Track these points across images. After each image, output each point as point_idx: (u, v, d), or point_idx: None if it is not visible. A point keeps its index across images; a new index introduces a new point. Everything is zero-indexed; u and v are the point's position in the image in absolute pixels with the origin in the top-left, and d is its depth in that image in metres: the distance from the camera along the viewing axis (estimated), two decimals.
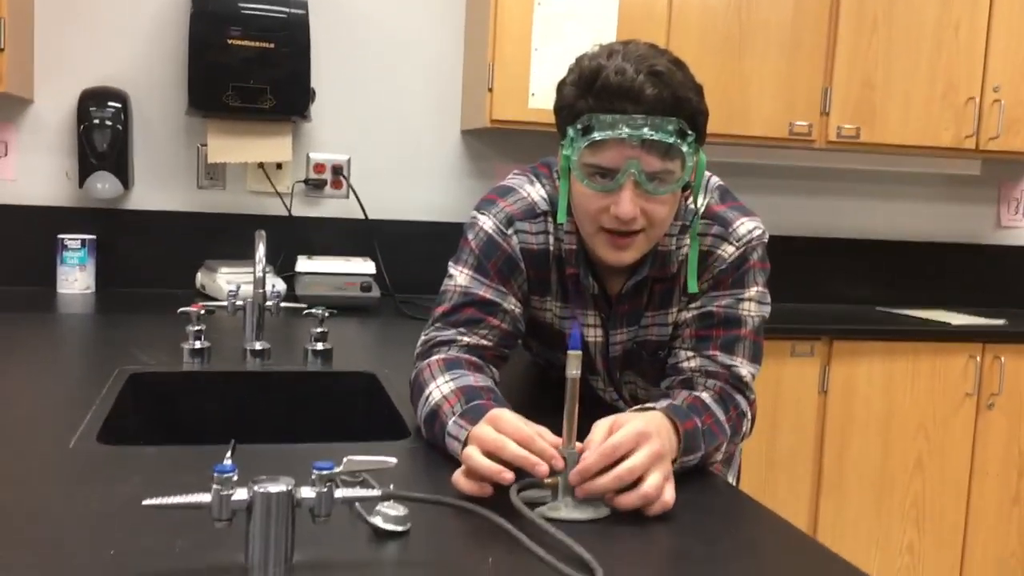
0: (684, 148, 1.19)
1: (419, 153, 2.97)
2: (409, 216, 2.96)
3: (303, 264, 2.64)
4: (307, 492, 0.84)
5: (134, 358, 1.72)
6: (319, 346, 1.79)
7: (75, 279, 2.62)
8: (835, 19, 2.85)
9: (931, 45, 2.92)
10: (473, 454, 1.02)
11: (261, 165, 2.82)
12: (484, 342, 1.32)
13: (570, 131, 1.22)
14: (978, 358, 2.83)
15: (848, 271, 3.31)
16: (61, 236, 2.62)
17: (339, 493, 0.85)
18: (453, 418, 1.15)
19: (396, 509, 0.93)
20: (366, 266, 2.66)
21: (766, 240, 1.35)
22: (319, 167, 2.89)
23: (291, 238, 2.83)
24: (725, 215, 1.33)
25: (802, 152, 3.08)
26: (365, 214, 2.87)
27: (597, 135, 1.18)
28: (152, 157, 2.78)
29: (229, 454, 0.92)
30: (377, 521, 0.92)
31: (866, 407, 2.80)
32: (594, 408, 1.19)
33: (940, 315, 3.08)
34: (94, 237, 2.67)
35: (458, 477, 1.04)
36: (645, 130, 1.17)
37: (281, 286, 2.54)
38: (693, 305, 1.33)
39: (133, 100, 2.71)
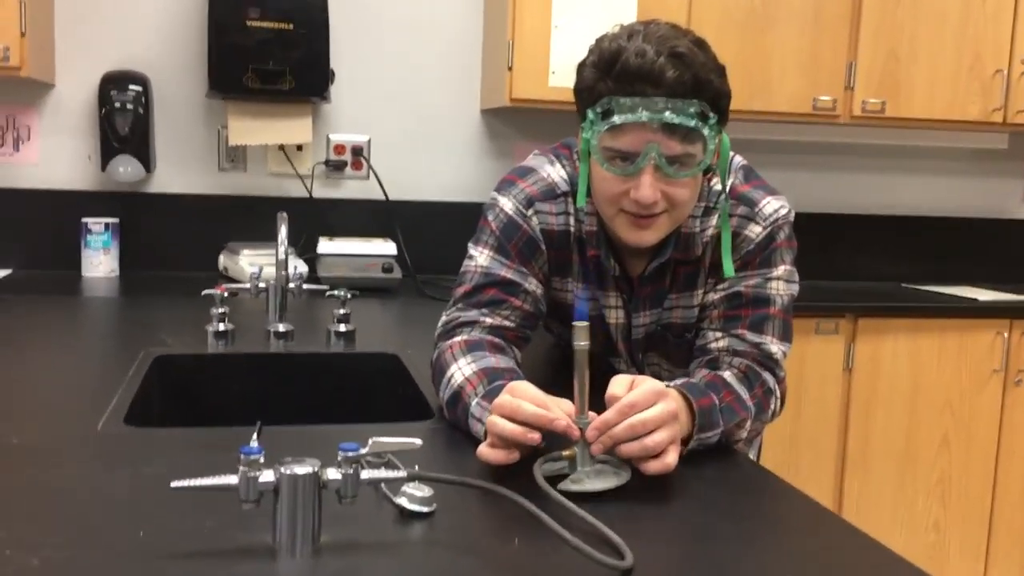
0: (706, 131, 1.17)
1: (439, 133, 2.96)
2: (429, 196, 2.96)
3: (324, 246, 2.64)
4: (333, 474, 0.84)
5: (159, 341, 1.73)
6: (342, 327, 1.80)
7: (99, 262, 2.64)
8: None
9: (957, 16, 2.87)
10: (497, 421, 1.02)
11: (282, 147, 2.82)
12: (506, 323, 1.32)
13: (590, 113, 1.21)
14: (1005, 334, 2.80)
15: (873, 247, 3.28)
16: (85, 220, 2.64)
17: (365, 475, 0.85)
18: (476, 399, 1.15)
19: (421, 490, 0.93)
20: (387, 247, 2.66)
21: (792, 218, 1.33)
22: (339, 148, 2.89)
23: (312, 220, 2.83)
24: (750, 195, 1.32)
25: (826, 128, 3.04)
26: (385, 195, 2.87)
27: (617, 119, 1.17)
28: (173, 140, 2.79)
29: (255, 436, 0.92)
30: (403, 502, 0.92)
31: (891, 385, 2.77)
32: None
33: (967, 291, 3.05)
34: (117, 220, 2.69)
35: (483, 449, 1.04)
36: (666, 113, 1.15)
37: (303, 268, 2.55)
38: (720, 287, 1.32)
39: (154, 83, 2.71)
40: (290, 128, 2.76)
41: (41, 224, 2.72)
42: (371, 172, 2.89)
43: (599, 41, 1.23)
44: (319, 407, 1.69)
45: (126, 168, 2.64)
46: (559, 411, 1.01)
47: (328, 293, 1.83)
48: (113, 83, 2.63)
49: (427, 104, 2.94)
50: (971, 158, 3.34)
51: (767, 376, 1.29)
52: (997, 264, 3.37)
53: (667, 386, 1.13)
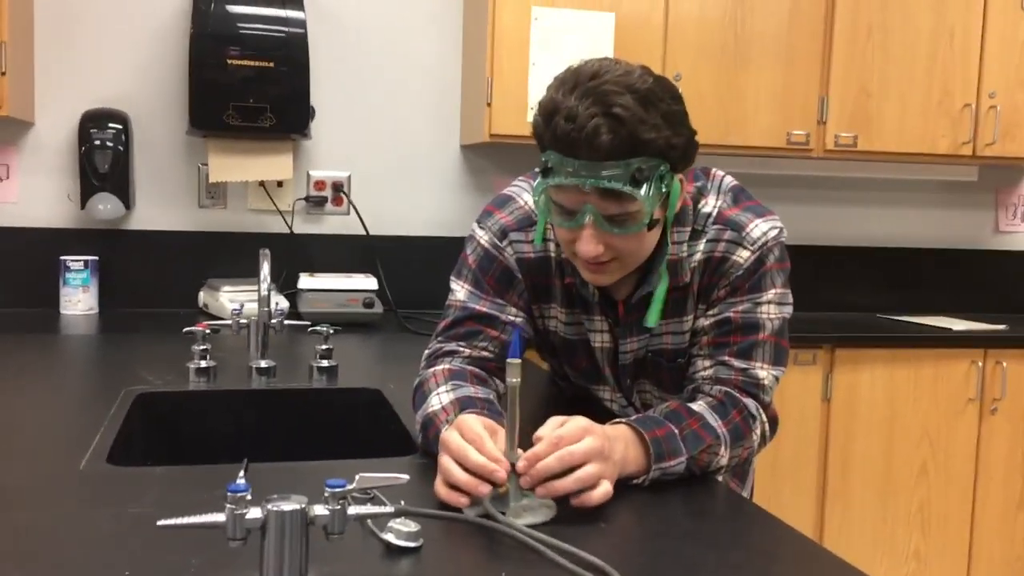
0: (642, 191, 1.13)
1: (419, 168, 2.98)
2: (410, 231, 2.97)
3: (305, 281, 2.65)
4: (320, 510, 0.84)
5: (140, 378, 1.73)
6: (324, 363, 1.80)
7: (78, 300, 2.63)
8: (830, 28, 2.87)
9: (926, 52, 2.94)
10: (451, 469, 1.04)
11: (262, 183, 2.83)
12: (485, 354, 1.33)
13: (540, 159, 1.20)
14: (980, 363, 2.84)
15: (848, 279, 3.32)
16: (64, 257, 2.63)
17: (352, 510, 0.85)
18: (445, 428, 1.15)
19: (408, 525, 0.93)
20: (368, 282, 2.67)
21: (784, 239, 1.32)
22: (319, 184, 2.90)
23: (293, 255, 2.83)
24: (737, 219, 1.30)
25: (800, 161, 3.09)
26: (366, 230, 2.88)
27: (552, 179, 1.17)
28: (153, 177, 2.79)
29: (242, 473, 0.92)
30: (390, 537, 0.93)
31: (869, 414, 2.80)
32: (602, 418, 1.19)
33: (941, 321, 3.09)
34: (96, 258, 2.68)
35: (439, 487, 1.06)
36: (600, 175, 1.13)
37: (284, 304, 2.55)
38: (711, 312, 1.31)
39: (134, 121, 2.72)
40: (270, 164, 2.77)
41: (19, 262, 2.70)
42: (352, 208, 2.91)
43: (548, 87, 1.20)
44: (302, 443, 1.68)
45: (106, 206, 2.64)
46: (490, 447, 1.03)
47: (310, 329, 1.84)
48: (93, 121, 2.64)
49: (407, 140, 2.96)
50: (942, 190, 3.40)
51: (747, 401, 1.27)
52: (970, 294, 3.42)
53: (616, 422, 1.17)
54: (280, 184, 2.85)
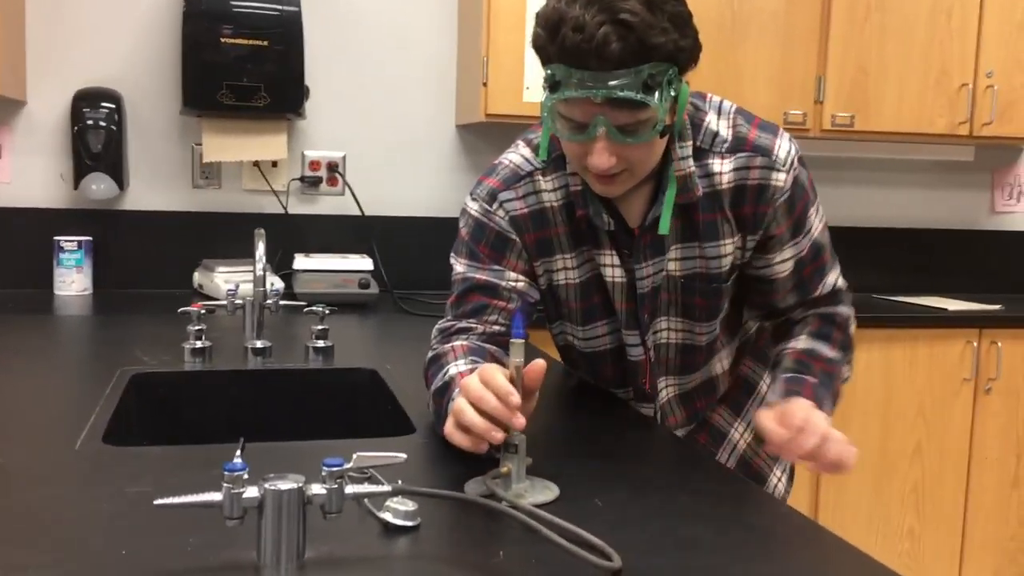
0: (654, 99, 1.12)
1: (414, 148, 2.97)
2: (405, 212, 2.96)
3: (300, 262, 2.64)
4: (317, 489, 0.84)
5: (136, 359, 1.72)
6: (320, 343, 1.79)
7: (72, 281, 2.62)
8: (828, 6, 2.85)
9: (924, 31, 2.93)
10: (465, 409, 1.01)
11: (256, 163, 2.81)
12: (496, 328, 1.31)
13: (543, 74, 1.17)
14: (975, 343, 2.84)
15: (844, 259, 3.27)
16: (57, 238, 2.62)
17: (349, 489, 0.85)
18: (457, 390, 1.13)
19: (406, 504, 0.93)
20: (363, 263, 2.66)
21: (797, 147, 1.34)
22: (314, 164, 2.89)
23: (288, 236, 2.83)
24: (761, 143, 1.29)
25: (797, 141, 3.07)
26: (361, 210, 2.87)
27: (562, 93, 1.13)
28: (147, 157, 2.78)
29: (239, 452, 0.92)
30: (387, 516, 0.92)
31: (865, 394, 2.81)
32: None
33: (937, 301, 3.09)
34: (90, 238, 2.67)
35: (451, 429, 1.04)
36: (611, 85, 1.10)
37: (279, 284, 2.54)
38: (779, 259, 1.34)
39: (127, 100, 2.70)
40: (265, 144, 2.76)
41: (13, 243, 2.69)
42: (347, 188, 2.89)
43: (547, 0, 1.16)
44: (298, 423, 1.68)
45: (99, 186, 2.62)
46: (519, 402, 1.00)
47: (306, 309, 1.83)
48: (86, 100, 2.62)
49: (402, 120, 2.95)
50: (938, 170, 3.39)
51: (841, 309, 1.39)
52: (965, 274, 3.43)
53: (779, 400, 1.24)
54: (275, 164, 2.84)
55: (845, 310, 1.41)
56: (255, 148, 2.75)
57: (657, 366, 1.43)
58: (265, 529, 0.82)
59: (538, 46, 1.17)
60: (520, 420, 1.00)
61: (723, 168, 1.29)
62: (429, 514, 0.94)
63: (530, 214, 1.34)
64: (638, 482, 1.11)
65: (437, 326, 1.36)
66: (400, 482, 0.92)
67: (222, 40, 2.54)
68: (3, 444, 1.21)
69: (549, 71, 1.15)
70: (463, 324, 1.32)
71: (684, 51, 1.15)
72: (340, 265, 2.63)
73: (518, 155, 1.36)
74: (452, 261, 1.38)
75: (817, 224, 1.36)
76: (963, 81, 2.96)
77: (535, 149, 1.35)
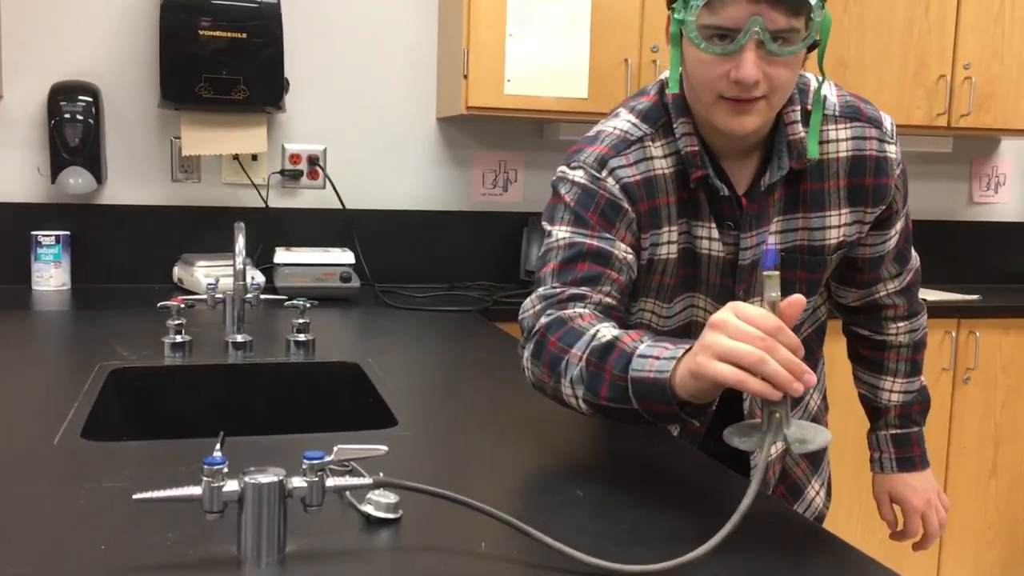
0: (813, 1, 1.08)
1: (395, 141, 2.96)
2: (387, 205, 2.95)
3: (281, 256, 2.63)
4: (298, 482, 0.84)
5: (115, 353, 1.71)
6: (301, 337, 1.79)
7: (50, 276, 2.60)
8: None
9: (902, 24, 2.94)
10: (757, 354, 0.86)
11: (236, 157, 2.80)
12: (609, 300, 1.19)
13: None
14: (953, 333, 2.87)
15: None
16: (35, 233, 2.59)
17: (330, 482, 0.85)
18: (643, 345, 1.02)
19: (387, 497, 0.93)
20: (345, 256, 2.65)
21: None
22: (295, 157, 2.87)
23: (268, 230, 2.81)
24: (872, 114, 1.28)
25: None
26: (342, 204, 2.86)
27: None
28: (125, 151, 2.75)
29: (219, 446, 0.92)
30: (369, 509, 0.92)
31: (846, 384, 2.81)
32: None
33: None
34: (68, 233, 2.64)
35: (739, 374, 0.87)
36: None
37: (260, 278, 2.53)
38: (891, 232, 1.35)
39: (104, 94, 2.68)
40: (245, 138, 2.74)
41: None
42: (328, 181, 2.88)
43: None
44: (279, 417, 1.68)
45: (77, 180, 2.60)
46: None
47: (287, 303, 1.82)
48: (62, 94, 2.59)
49: (383, 113, 2.94)
50: (917, 161, 3.42)
51: (917, 305, 1.51)
52: (944, 265, 3.46)
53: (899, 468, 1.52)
54: (255, 158, 2.82)
55: (924, 318, 1.53)
56: (235, 141, 2.73)
57: None
58: (245, 523, 0.82)
59: None
60: (811, 377, 0.87)
61: (839, 136, 1.26)
62: (411, 506, 0.94)
63: (643, 181, 1.24)
64: (616, 472, 1.11)
65: (538, 293, 1.21)
66: (381, 474, 0.92)
67: (200, 33, 2.52)
68: None
69: None
70: (575, 291, 1.18)
71: None
72: (321, 259, 2.62)
73: (624, 121, 1.28)
74: (548, 227, 1.26)
75: (909, 201, 1.39)
76: (941, 73, 2.98)
77: (640, 115, 1.27)
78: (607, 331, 1.08)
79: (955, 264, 3.48)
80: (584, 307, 1.17)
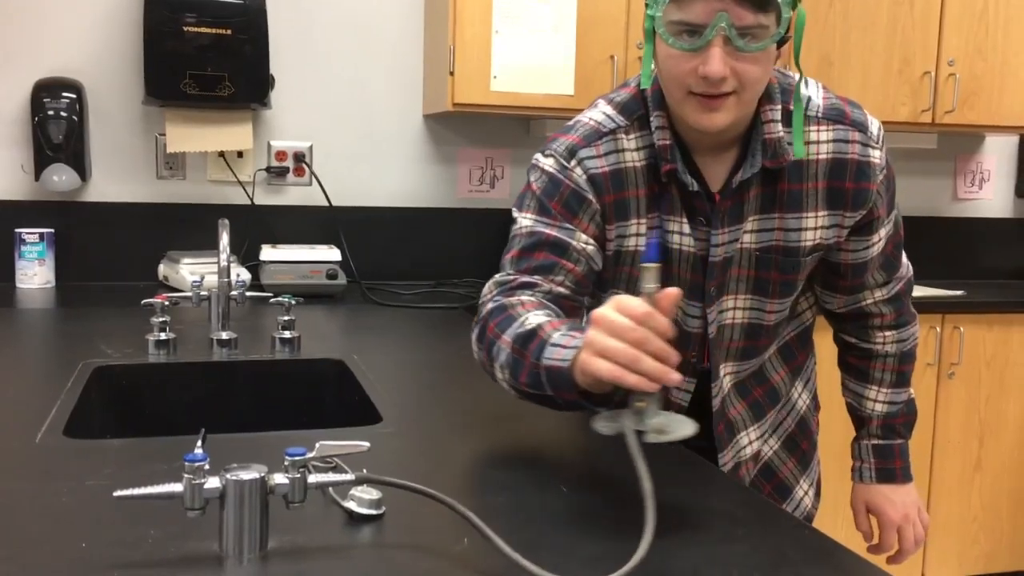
0: None
1: (381, 138, 2.95)
2: (373, 202, 2.95)
3: (267, 253, 2.62)
4: (280, 478, 0.83)
5: (98, 351, 1.70)
6: (286, 334, 1.78)
7: (34, 273, 2.58)
8: None
9: (887, 20, 2.95)
10: (603, 338, 0.92)
11: (221, 154, 2.79)
12: (561, 289, 1.23)
13: None
14: (938, 329, 2.88)
15: None
16: (18, 230, 2.58)
17: (312, 479, 0.85)
18: (557, 333, 1.06)
19: (370, 493, 0.93)
20: (331, 253, 2.65)
21: None
22: (280, 154, 2.86)
23: (254, 227, 2.80)
24: (857, 117, 1.27)
25: None
26: (329, 201, 2.86)
27: None
28: (109, 148, 2.74)
29: (200, 443, 0.91)
30: (351, 505, 0.92)
31: (829, 379, 2.83)
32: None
33: None
34: (52, 230, 2.63)
35: (589, 358, 0.94)
36: None
37: (246, 275, 2.52)
38: (873, 239, 1.33)
39: (88, 90, 2.66)
40: (230, 135, 2.73)
41: None
42: (314, 178, 2.88)
43: None
44: (265, 415, 1.67)
45: (60, 177, 2.58)
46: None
47: (272, 300, 1.82)
48: (46, 91, 2.58)
49: (369, 109, 2.93)
50: (902, 158, 3.43)
51: (906, 315, 1.46)
52: (928, 261, 3.47)
53: (874, 478, 1.52)
54: (240, 155, 2.81)
55: (914, 328, 1.49)
56: (220, 138, 2.72)
57: (718, 349, 1.35)
58: (227, 520, 0.82)
59: None
60: (675, 376, 0.91)
61: (820, 137, 1.26)
62: (394, 502, 0.94)
63: (611, 173, 1.26)
64: (600, 468, 1.11)
65: (494, 279, 1.26)
66: (364, 471, 0.92)
67: (185, 29, 2.50)
68: None
69: None
70: (526, 279, 1.23)
71: None
72: (308, 256, 2.61)
73: (599, 112, 1.29)
74: (515, 214, 1.29)
75: (897, 207, 1.39)
76: (925, 69, 3.00)
77: (618, 107, 1.28)
78: (535, 319, 1.11)
79: (939, 260, 3.50)
80: (532, 295, 1.21)
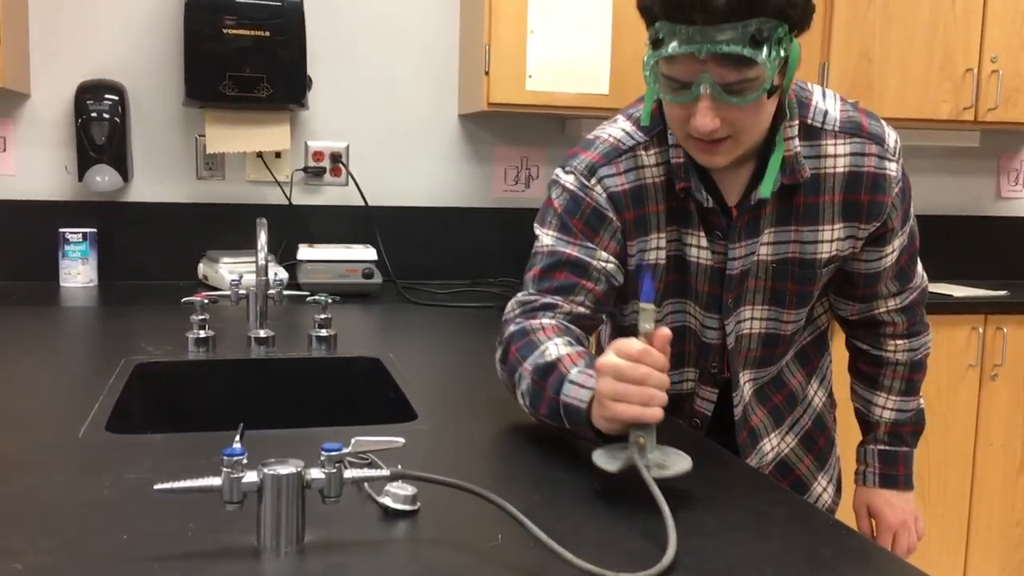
0: (763, 55, 1.06)
1: (417, 138, 2.97)
2: (408, 202, 2.96)
3: (304, 252, 2.64)
4: (316, 473, 0.84)
5: (140, 348, 1.73)
6: (323, 332, 1.80)
7: (78, 272, 2.63)
8: None
9: (928, 16, 2.91)
10: (615, 387, 0.99)
11: (260, 154, 2.82)
12: (581, 309, 1.25)
13: (648, 35, 1.13)
14: (980, 329, 2.84)
15: None
16: (62, 230, 2.63)
17: (348, 474, 0.86)
18: (575, 369, 1.10)
19: (405, 489, 0.93)
20: (367, 253, 2.67)
21: None
22: (317, 155, 2.89)
23: (292, 226, 2.83)
24: (874, 130, 1.26)
25: None
26: (365, 201, 2.88)
27: (665, 49, 1.09)
28: (151, 149, 2.78)
29: (238, 438, 0.93)
30: (386, 501, 0.93)
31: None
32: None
33: (942, 287, 3.08)
34: (95, 230, 2.68)
35: (608, 404, 1.00)
36: (716, 41, 1.05)
37: (283, 274, 2.55)
38: (887, 249, 1.33)
39: (130, 92, 2.71)
40: (268, 135, 2.76)
41: (18, 235, 2.70)
42: (350, 178, 2.90)
43: None
44: (301, 412, 1.69)
45: (103, 178, 2.63)
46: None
47: (309, 299, 1.84)
48: (89, 92, 2.62)
49: (405, 109, 2.95)
50: (944, 156, 3.38)
51: (918, 323, 1.46)
52: (971, 261, 3.42)
53: (877, 482, 1.55)
54: (278, 155, 2.84)
55: (927, 338, 1.48)
56: (258, 139, 2.75)
57: (736, 358, 1.36)
58: (264, 513, 0.83)
59: (643, 6, 1.13)
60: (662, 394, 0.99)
61: (837, 151, 1.25)
62: (428, 499, 0.95)
63: (631, 190, 1.27)
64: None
65: (517, 298, 1.29)
66: (399, 467, 0.93)
67: (224, 31, 2.54)
68: (7, 433, 1.21)
69: (652, 29, 1.11)
70: (548, 300, 1.25)
71: (796, 7, 1.09)
72: (344, 255, 2.63)
73: (619, 129, 1.30)
74: (537, 230, 1.31)
75: (914, 219, 1.38)
76: (968, 66, 2.95)
77: (636, 123, 1.29)
78: (555, 349, 1.15)
79: (982, 260, 3.44)
80: (552, 317, 1.24)
